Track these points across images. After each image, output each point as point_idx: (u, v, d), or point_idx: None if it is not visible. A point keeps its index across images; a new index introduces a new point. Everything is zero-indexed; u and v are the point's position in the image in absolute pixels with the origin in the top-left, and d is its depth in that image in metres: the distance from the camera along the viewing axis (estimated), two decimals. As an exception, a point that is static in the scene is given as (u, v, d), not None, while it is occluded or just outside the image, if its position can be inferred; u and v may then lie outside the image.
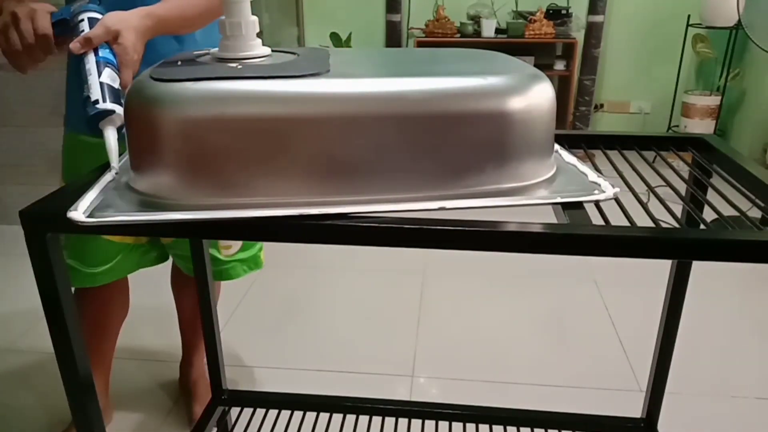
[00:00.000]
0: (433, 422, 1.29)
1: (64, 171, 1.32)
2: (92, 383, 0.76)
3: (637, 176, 0.82)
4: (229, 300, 2.01)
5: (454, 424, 1.28)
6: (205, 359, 1.46)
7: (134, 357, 1.73)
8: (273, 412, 1.34)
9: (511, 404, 1.31)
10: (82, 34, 0.84)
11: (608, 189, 0.70)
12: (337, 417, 1.35)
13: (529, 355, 1.74)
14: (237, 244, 1.37)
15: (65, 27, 0.87)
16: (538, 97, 0.69)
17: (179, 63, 0.72)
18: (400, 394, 1.58)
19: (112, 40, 0.85)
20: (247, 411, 1.34)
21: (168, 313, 1.94)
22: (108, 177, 0.73)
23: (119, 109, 0.78)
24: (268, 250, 1.39)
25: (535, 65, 3.28)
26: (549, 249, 0.62)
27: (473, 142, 0.67)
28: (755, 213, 0.74)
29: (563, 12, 3.24)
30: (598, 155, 0.92)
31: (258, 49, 0.74)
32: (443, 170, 0.67)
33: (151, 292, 2.12)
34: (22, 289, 2.09)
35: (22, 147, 2.73)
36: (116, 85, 0.82)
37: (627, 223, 0.64)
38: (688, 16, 3.18)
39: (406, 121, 0.65)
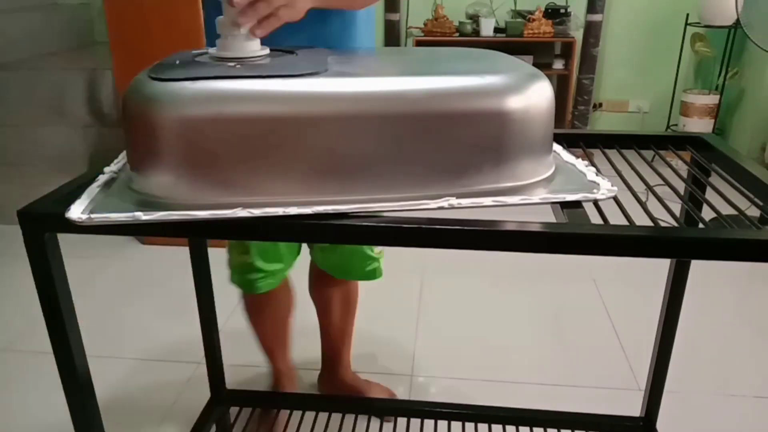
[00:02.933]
0: (432, 421, 1.29)
1: None
2: (91, 383, 0.76)
3: (636, 175, 0.82)
4: (229, 299, 2.01)
5: (453, 423, 1.28)
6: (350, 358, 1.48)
7: (134, 357, 1.73)
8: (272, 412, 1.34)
9: (510, 404, 1.31)
10: None
11: (607, 188, 0.70)
12: (337, 417, 1.35)
13: (528, 355, 1.74)
14: None
15: None
16: (536, 96, 0.69)
17: (177, 63, 0.72)
18: (400, 393, 1.58)
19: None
20: (247, 410, 1.34)
21: (170, 311, 1.94)
22: (106, 177, 0.73)
23: None
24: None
25: (533, 64, 3.30)
26: (548, 249, 0.62)
27: (472, 141, 0.67)
28: (754, 212, 0.74)
29: (562, 11, 3.24)
30: (597, 154, 0.92)
31: (256, 49, 0.74)
32: (442, 169, 0.67)
33: (155, 292, 2.12)
34: (22, 289, 2.09)
35: (22, 147, 2.73)
36: None
37: (626, 223, 0.64)
38: (687, 15, 3.18)
39: (404, 120, 0.65)
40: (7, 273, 2.22)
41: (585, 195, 0.69)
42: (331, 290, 1.41)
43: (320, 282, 1.41)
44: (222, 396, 1.35)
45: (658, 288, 1.17)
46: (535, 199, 0.68)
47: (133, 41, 2.14)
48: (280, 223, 0.64)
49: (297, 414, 1.32)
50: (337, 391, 1.53)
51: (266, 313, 1.39)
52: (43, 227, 0.66)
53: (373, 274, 1.32)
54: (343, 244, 1.24)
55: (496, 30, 3.28)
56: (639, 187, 0.76)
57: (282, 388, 1.52)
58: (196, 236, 1.09)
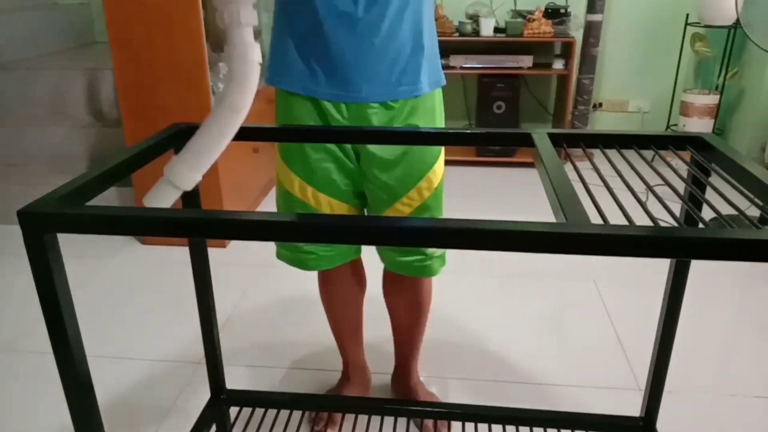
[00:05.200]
0: (432, 422, 1.29)
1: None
2: (91, 383, 0.76)
3: (636, 175, 0.82)
4: (229, 299, 2.01)
5: (453, 423, 1.28)
6: (417, 366, 1.49)
7: (133, 357, 1.73)
8: (272, 412, 1.34)
9: (510, 403, 1.31)
10: None
11: None
12: (336, 416, 1.35)
13: (528, 355, 1.74)
14: None
15: None
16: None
17: None
18: (400, 393, 1.58)
19: None
20: (247, 410, 1.34)
21: (170, 310, 1.94)
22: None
23: None
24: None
25: (533, 64, 3.28)
26: (548, 249, 0.62)
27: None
28: (754, 212, 0.74)
29: (562, 11, 3.24)
30: (597, 154, 0.92)
31: None
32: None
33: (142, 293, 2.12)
34: (22, 289, 2.09)
35: (22, 147, 2.73)
36: None
37: (626, 223, 0.64)
38: (687, 15, 3.18)
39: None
40: (7, 273, 2.22)
41: None
42: (398, 291, 1.41)
43: (389, 281, 1.41)
44: (222, 396, 1.35)
45: (658, 288, 1.17)
46: None
47: (133, 41, 2.14)
48: (278, 224, 0.64)
49: (297, 413, 1.32)
50: (403, 396, 1.51)
51: (334, 288, 1.41)
52: (43, 227, 0.66)
53: (421, 271, 1.27)
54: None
55: (496, 30, 3.27)
56: (639, 187, 0.76)
57: (349, 386, 1.51)
58: (197, 236, 1.08)
